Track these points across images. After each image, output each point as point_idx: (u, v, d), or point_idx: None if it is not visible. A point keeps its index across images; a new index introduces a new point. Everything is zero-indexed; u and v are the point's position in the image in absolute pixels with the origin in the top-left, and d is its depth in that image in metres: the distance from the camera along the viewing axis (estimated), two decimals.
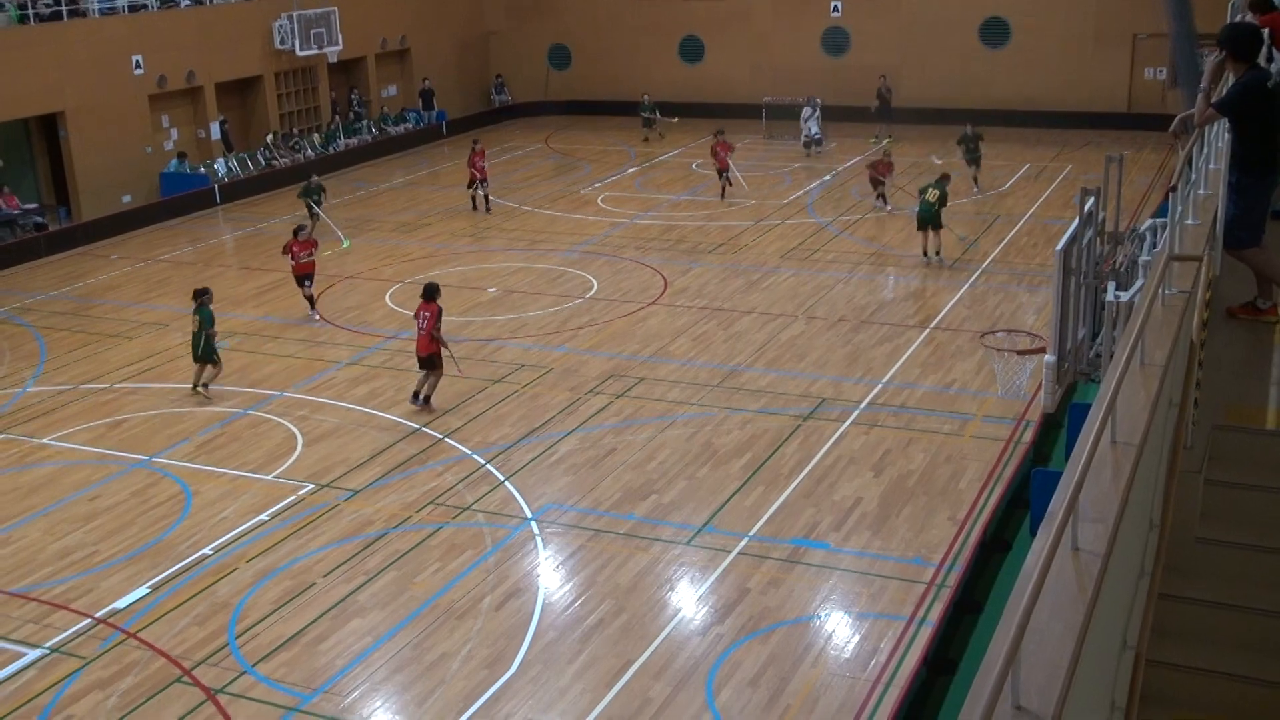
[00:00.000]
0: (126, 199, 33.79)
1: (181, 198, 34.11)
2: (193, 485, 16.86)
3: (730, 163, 32.35)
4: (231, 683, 12.45)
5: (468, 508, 15.95)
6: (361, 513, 15.96)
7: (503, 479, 16.68)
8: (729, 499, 15.91)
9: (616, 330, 22.53)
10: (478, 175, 32.07)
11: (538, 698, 12.03)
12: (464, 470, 17.02)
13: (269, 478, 17.03)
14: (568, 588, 14.08)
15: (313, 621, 13.51)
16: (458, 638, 13.09)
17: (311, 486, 16.68)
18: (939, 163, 31.60)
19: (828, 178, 34.75)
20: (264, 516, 15.92)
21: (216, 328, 20.04)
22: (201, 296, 19.95)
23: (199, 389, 19.90)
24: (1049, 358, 11.05)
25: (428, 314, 18.89)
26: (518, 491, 16.32)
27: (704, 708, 11.75)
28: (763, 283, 25.06)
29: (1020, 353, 20.44)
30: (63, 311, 25.46)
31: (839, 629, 13.07)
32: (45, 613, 13.90)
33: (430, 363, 18.97)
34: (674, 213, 31.47)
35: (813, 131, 38.32)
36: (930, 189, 25.72)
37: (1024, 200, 30.17)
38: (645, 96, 41.44)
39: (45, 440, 18.69)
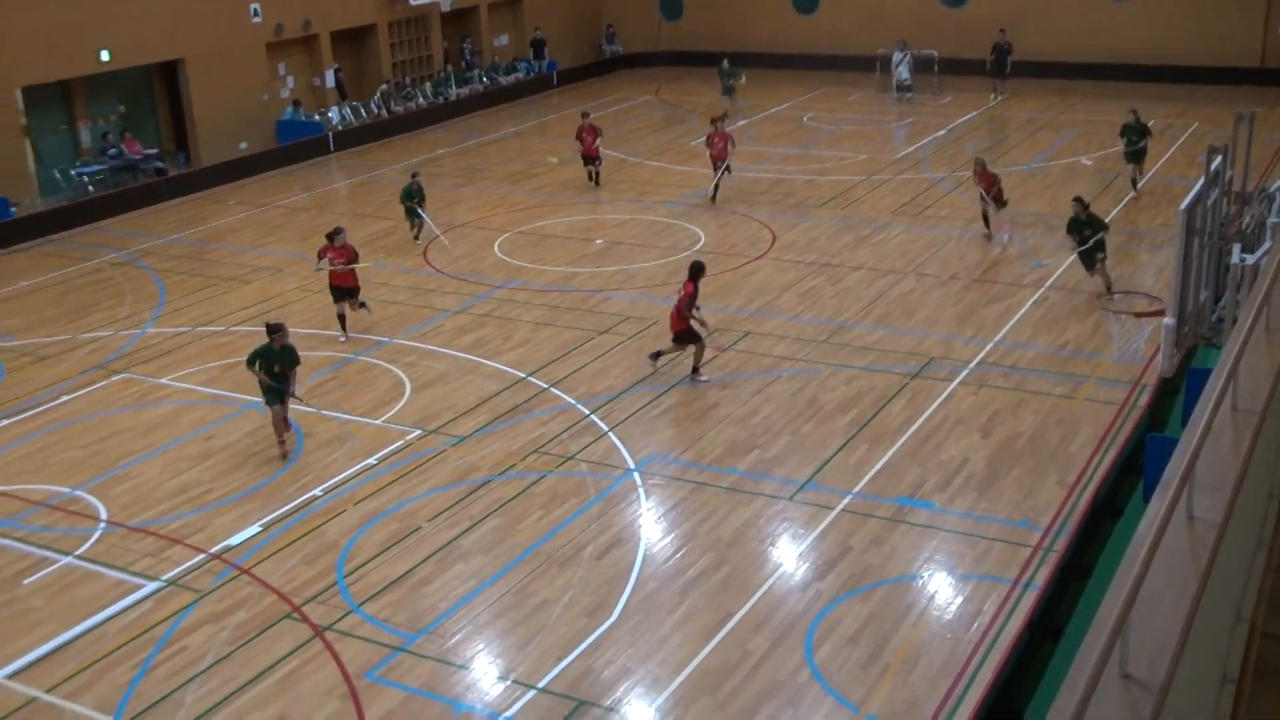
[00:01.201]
0: (243, 145, 34.42)
1: (296, 145, 34.66)
2: (304, 428, 17.21)
3: (730, 153, 27.67)
4: (339, 621, 12.73)
5: (571, 457, 16.05)
6: (466, 459, 16.15)
7: (606, 430, 16.75)
8: (833, 456, 15.80)
9: (723, 283, 22.41)
10: (588, 153, 29.52)
11: (637, 647, 12.11)
12: (568, 420, 17.13)
13: (377, 422, 17.31)
14: (669, 539, 14.13)
15: (418, 564, 13.74)
16: (559, 585, 13.22)
17: (418, 432, 16.93)
18: (1088, 164, 28.44)
19: (941, 133, 34.09)
20: (372, 460, 16.20)
21: (282, 371, 16.48)
22: (273, 334, 16.49)
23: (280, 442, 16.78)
24: (1168, 320, 10.75)
25: (683, 291, 18.10)
26: (621, 442, 16.38)
27: (802, 663, 11.73)
28: (873, 238, 24.73)
29: (1138, 315, 19.95)
30: (181, 255, 26.09)
31: (941, 590, 12.93)
32: (162, 547, 14.34)
33: (680, 338, 18.18)
34: (783, 166, 31.15)
35: (903, 77, 37.59)
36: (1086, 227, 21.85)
37: (1148, 158, 29.26)
38: (725, 61, 38.47)
39: (163, 380, 19.21)
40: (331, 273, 20.13)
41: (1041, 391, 17.39)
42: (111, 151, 32.01)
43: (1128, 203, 26.31)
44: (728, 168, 27.78)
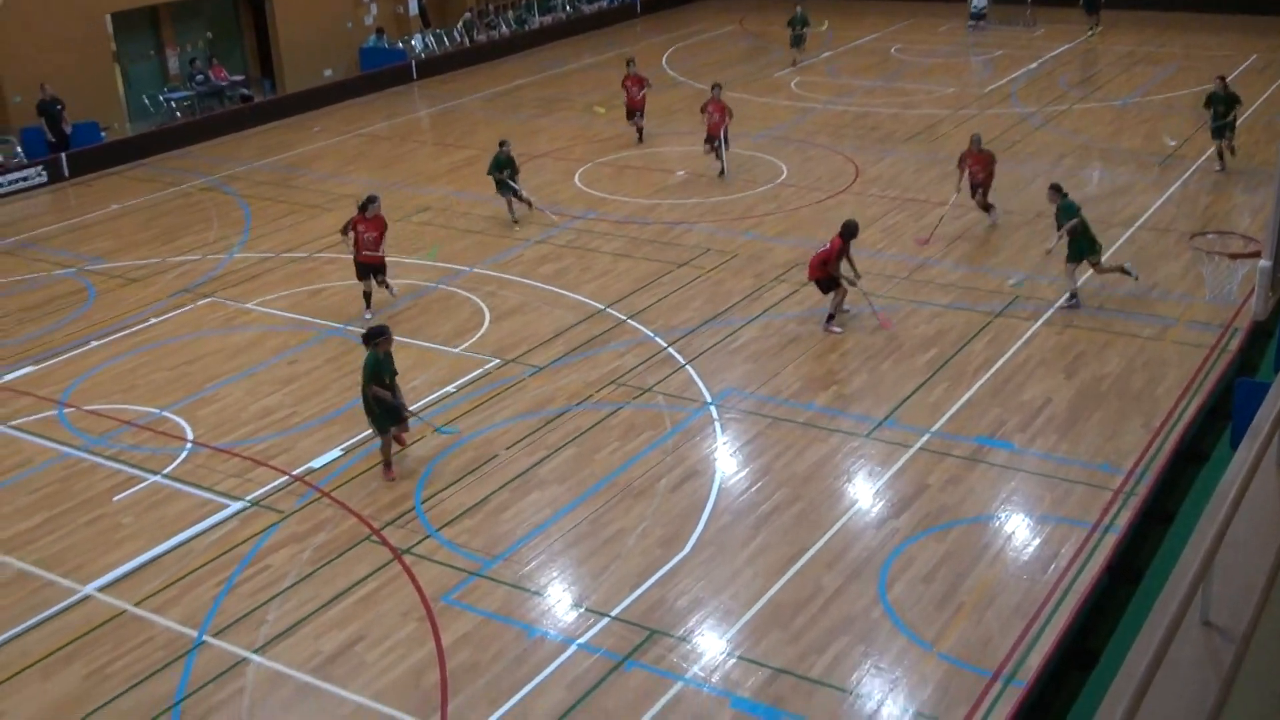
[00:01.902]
0: (328, 73, 34.61)
1: (379, 73, 34.77)
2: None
3: (726, 128, 24.80)
4: (417, 545, 12.93)
5: (648, 389, 16.07)
6: (544, 389, 16.24)
7: (684, 362, 16.73)
8: (912, 394, 15.65)
9: (804, 218, 22.20)
10: (631, 105, 27.49)
11: (710, 579, 12.16)
12: (646, 352, 17.13)
13: (456, 351, 17.45)
14: (744, 473, 14.13)
15: (494, 491, 13.89)
16: (634, 515, 13.30)
17: (497, 361, 17.03)
18: (1173, 144, 25.35)
19: (1033, 65, 33.30)
20: (450, 388, 16.35)
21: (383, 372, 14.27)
22: (371, 340, 14.19)
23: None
24: (1264, 263, 10.39)
25: (829, 244, 17.60)
26: (698, 375, 16.36)
27: (875, 600, 11.71)
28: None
29: (1233, 256, 19.39)
30: (266, 181, 26.36)
31: (1019, 531, 12.81)
32: (246, 468, 14.63)
33: (822, 286, 17.59)
34: (869, 99, 30.65)
35: (978, 4, 36.69)
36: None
37: (1248, 93, 28.35)
38: (799, 8, 35.14)
39: (249, 305, 19.50)
40: (359, 247, 18.41)
41: (1128, 333, 17.05)
42: (199, 78, 32.35)
43: (1214, 184, 23.17)
44: (725, 142, 24.73)
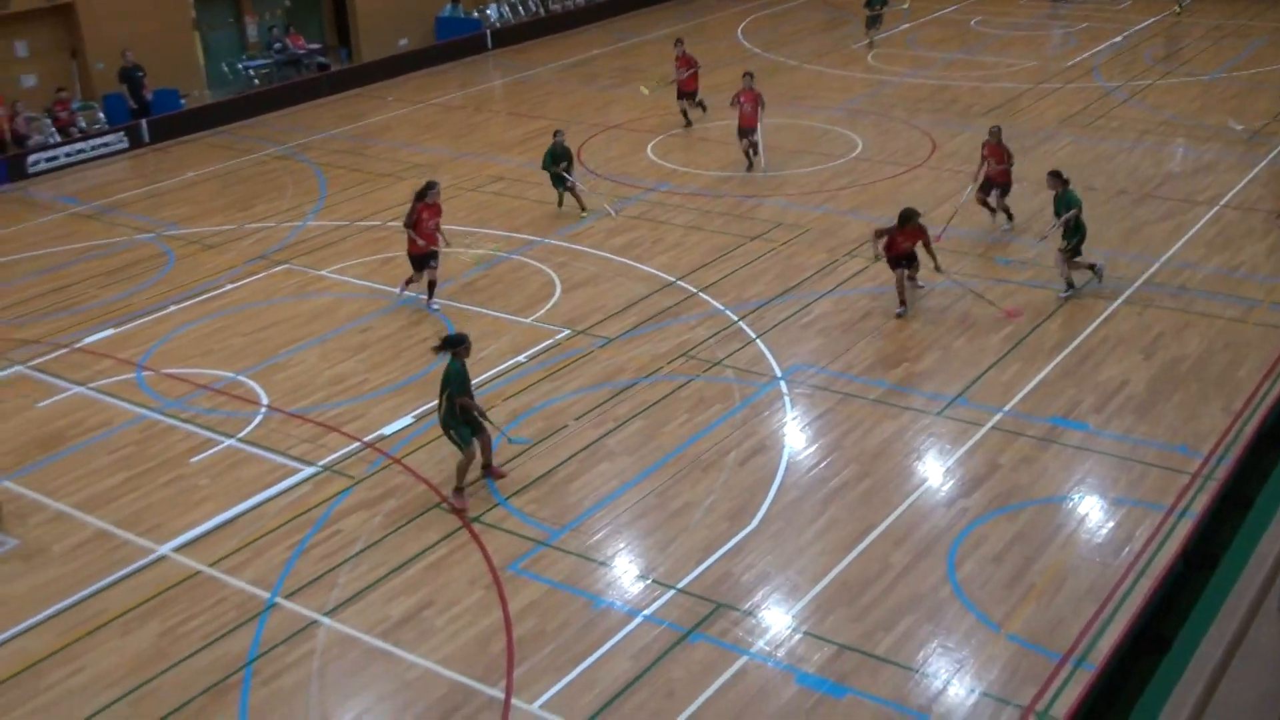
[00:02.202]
0: (403, 42, 34.75)
1: (454, 42, 34.86)
2: (456, 324, 17.48)
3: (761, 116, 23.18)
4: (486, 513, 13.02)
5: (718, 363, 16.03)
6: (614, 360, 16.25)
7: (754, 336, 16.66)
8: (985, 372, 15.46)
9: (879, 192, 21.96)
10: (681, 86, 26.28)
11: (776, 553, 12.13)
12: (716, 325, 17.07)
13: (527, 321, 17.50)
14: (813, 449, 14.05)
15: (563, 462, 13.94)
16: (701, 489, 13.28)
17: (567, 332, 17.06)
18: (1239, 129, 24.26)
19: (1118, 39, 32.63)
20: (521, 358, 16.41)
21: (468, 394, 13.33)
22: (454, 347, 13.20)
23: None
24: None
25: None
26: (768, 350, 16.28)
27: (944, 579, 11.61)
28: (1038, 149, 23.87)
29: None
30: (341, 150, 26.56)
31: (1092, 513, 12.63)
32: (319, 434, 14.81)
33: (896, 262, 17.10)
34: (947, 72, 30.21)
35: None
36: None
37: None
38: None
39: (323, 272, 19.69)
40: (411, 240, 17.64)
41: (1210, 314, 16.70)
42: (276, 46, 32.64)
43: None
44: (753, 145, 23.21)
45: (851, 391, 15.18)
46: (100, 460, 14.46)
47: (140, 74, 28.30)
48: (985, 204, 19.97)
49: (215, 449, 14.57)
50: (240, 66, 32.45)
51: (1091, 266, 17.55)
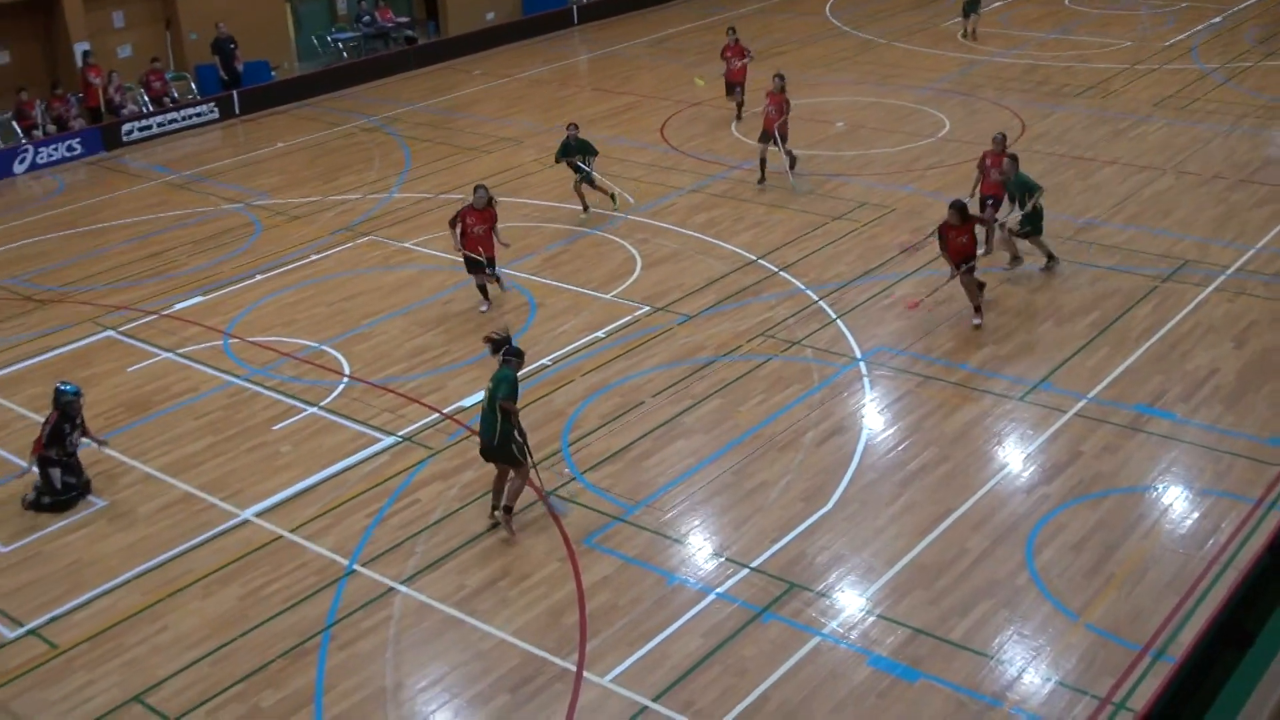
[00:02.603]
0: (490, 16, 34.90)
1: (541, 17, 34.92)
2: (537, 297, 17.57)
3: (784, 119, 21.23)
4: (561, 487, 13.09)
5: (797, 342, 15.94)
6: (693, 338, 16.22)
7: (834, 317, 16.53)
8: (1070, 357, 15.21)
9: (966, 173, 21.60)
10: (730, 78, 25.21)
11: (852, 535, 12.06)
12: (796, 305, 16.97)
13: (607, 297, 17.53)
14: (892, 431, 13.93)
15: (639, 438, 13.96)
16: (778, 468, 13.23)
17: (647, 309, 17.06)
18: None
19: (1217, 20, 31.81)
20: (600, 334, 16.45)
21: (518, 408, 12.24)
22: (505, 355, 12.21)
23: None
24: None
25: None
26: (849, 331, 16.15)
27: (1022, 566, 11.46)
28: (1130, 131, 23.39)
29: None
30: (427, 123, 26.76)
31: (1176, 503, 12.38)
32: (399, 404, 14.97)
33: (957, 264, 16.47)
34: (1039, 52, 29.67)
35: None
36: None
37: None
38: None
39: (407, 244, 19.87)
40: (467, 242, 16.88)
41: None
42: (365, 19, 32.94)
43: None
44: (780, 141, 21.18)
45: (932, 374, 15.02)
46: (187, 425, 14.76)
47: (232, 45, 28.72)
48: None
49: (298, 417, 14.80)
50: (329, 39, 32.80)
51: (1050, 255, 17.42)
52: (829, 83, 27.88)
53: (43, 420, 13.36)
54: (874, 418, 14.20)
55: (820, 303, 16.97)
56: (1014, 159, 17.47)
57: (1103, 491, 12.55)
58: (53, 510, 13.04)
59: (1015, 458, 13.29)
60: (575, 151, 20.14)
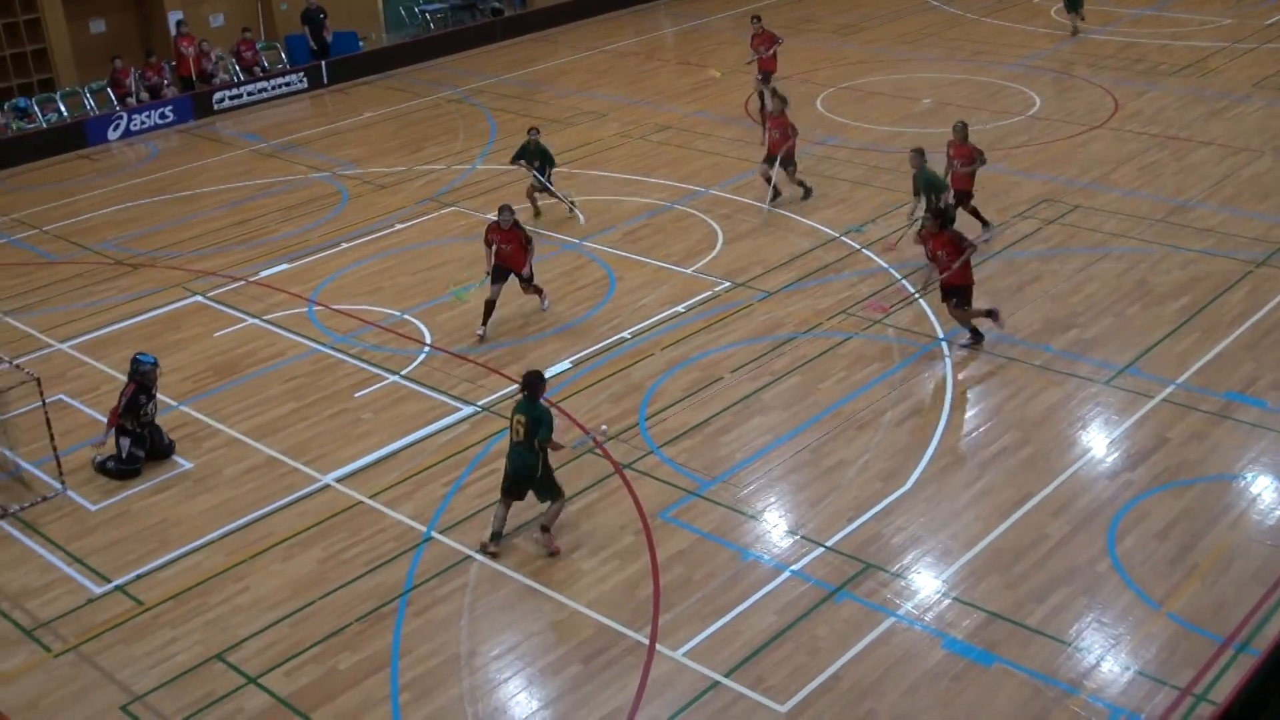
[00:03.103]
0: None
1: None
2: (617, 271, 17.59)
3: (791, 144, 19.03)
4: (638, 460, 13.11)
5: (878, 321, 15.79)
6: (773, 314, 16.14)
7: (917, 296, 16.35)
8: (1159, 342, 14.90)
9: (1055, 152, 21.27)
10: (762, 66, 23.43)
11: (929, 517, 11.95)
12: (878, 283, 16.80)
13: (688, 271, 17.49)
14: (973, 413, 13.77)
15: (717, 413, 13.93)
16: (856, 447, 13.14)
17: (727, 284, 17.00)
18: None
19: None
20: (680, 308, 16.42)
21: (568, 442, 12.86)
22: (533, 389, 11.55)
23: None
24: None
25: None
26: (931, 310, 15.96)
27: (1103, 553, 11.29)
28: (1228, 112, 22.80)
29: None
30: (512, 95, 26.85)
31: (1266, 493, 12.10)
32: (479, 374, 15.08)
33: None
34: (1134, 29, 29.01)
35: None
36: None
37: None
38: None
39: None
40: (499, 252, 15.92)
41: None
42: None
43: None
44: (787, 165, 19.21)
45: (1016, 356, 14.81)
46: (272, 390, 15.00)
47: (321, 16, 29.02)
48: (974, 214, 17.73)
49: (380, 384, 14.97)
50: (417, 10, 32.99)
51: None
52: (916, 59, 27.51)
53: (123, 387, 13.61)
54: (955, 399, 14.04)
55: (902, 281, 16.78)
56: (919, 152, 16.82)
57: (1189, 480, 12.30)
58: (118, 478, 13.29)
59: (1099, 443, 13.07)
60: (534, 156, 19.17)
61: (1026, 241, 17.76)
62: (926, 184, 16.87)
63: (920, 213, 16.39)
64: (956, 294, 14.90)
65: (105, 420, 13.43)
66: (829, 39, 29.66)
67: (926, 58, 27.52)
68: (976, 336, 15.01)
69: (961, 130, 17.61)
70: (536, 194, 19.58)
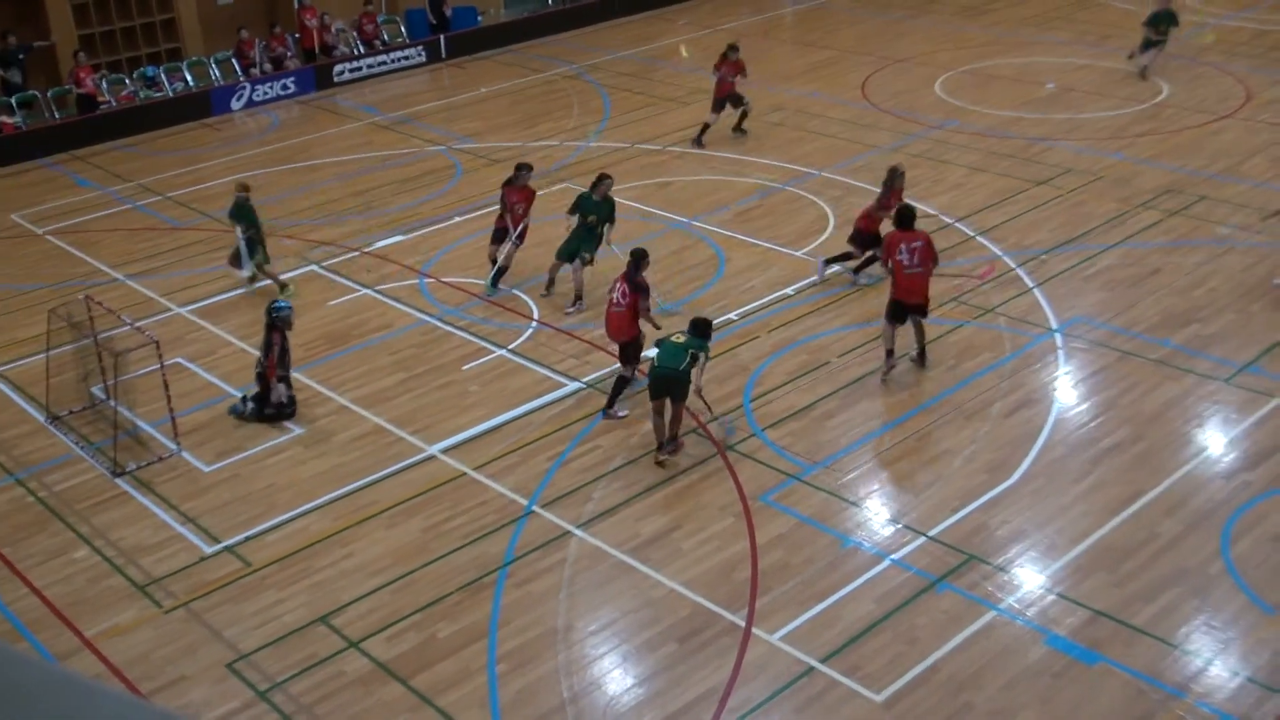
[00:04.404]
0: None
1: None
2: (726, 251, 17.52)
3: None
4: (741, 442, 13.07)
5: (991, 309, 15.51)
6: (882, 300, 15.88)
7: (1032, 285, 16.02)
8: None
9: (1182, 142, 20.66)
10: (720, 94, 21.60)
11: (1035, 510, 11.73)
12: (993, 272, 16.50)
13: (798, 253, 17.35)
14: (1085, 406, 13.47)
15: (823, 398, 13.82)
16: (963, 437, 12.95)
17: (837, 268, 16.82)
18: None
19: None
20: (789, 290, 16.31)
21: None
22: (700, 330, 12.66)
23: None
24: None
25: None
26: (1046, 300, 15.64)
27: (1216, 555, 10.97)
28: None
29: None
30: (628, 72, 26.84)
31: None
32: (585, 350, 15.15)
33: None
34: (1271, 15, 28.01)
35: None
36: None
37: None
38: (1156, 9, 24.73)
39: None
40: (512, 211, 16.42)
41: None
42: None
43: None
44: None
45: (1132, 349, 14.44)
46: (381, 360, 15.24)
47: None
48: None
49: (487, 358, 15.12)
50: None
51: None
52: (1042, 42, 26.90)
53: (262, 345, 13.94)
54: (1066, 391, 13.75)
55: (1018, 269, 16.46)
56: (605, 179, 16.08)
57: None
58: (271, 420, 13.80)
59: (1216, 441, 12.70)
60: (243, 218, 16.80)
61: (1148, 232, 17.30)
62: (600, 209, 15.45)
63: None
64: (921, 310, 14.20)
65: (222, 384, 13.75)
66: (951, 20, 29.14)
67: (1054, 40, 26.89)
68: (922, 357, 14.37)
69: (894, 174, 16.49)
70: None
